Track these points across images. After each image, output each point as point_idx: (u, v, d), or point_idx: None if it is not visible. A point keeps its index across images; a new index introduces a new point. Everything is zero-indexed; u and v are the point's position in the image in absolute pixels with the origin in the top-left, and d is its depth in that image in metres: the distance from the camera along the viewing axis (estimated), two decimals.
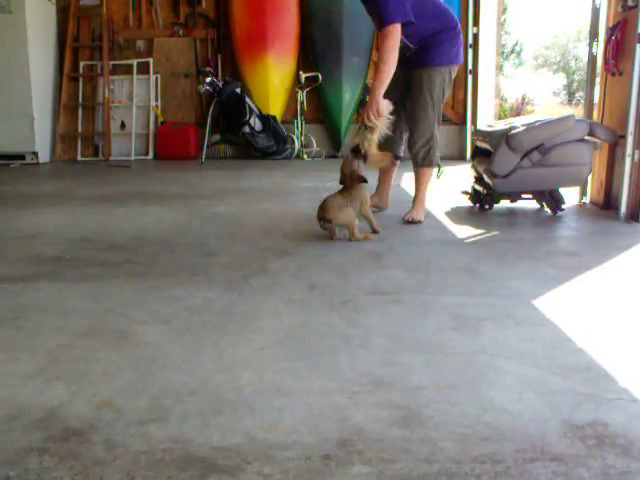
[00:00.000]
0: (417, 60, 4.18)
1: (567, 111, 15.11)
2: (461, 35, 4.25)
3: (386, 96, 3.83)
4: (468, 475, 1.41)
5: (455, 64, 4.24)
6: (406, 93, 4.26)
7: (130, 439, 1.57)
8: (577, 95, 28.09)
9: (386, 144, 4.02)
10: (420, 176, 4.36)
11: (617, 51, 4.59)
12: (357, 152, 3.74)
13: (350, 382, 1.87)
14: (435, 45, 4.13)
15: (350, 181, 3.68)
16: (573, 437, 1.57)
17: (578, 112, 5.23)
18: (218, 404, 1.74)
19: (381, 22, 3.84)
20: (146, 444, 1.54)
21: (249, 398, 1.77)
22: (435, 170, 4.41)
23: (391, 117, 3.85)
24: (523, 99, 18.17)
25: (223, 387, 1.84)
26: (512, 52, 24.74)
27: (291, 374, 1.92)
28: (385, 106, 3.81)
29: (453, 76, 4.26)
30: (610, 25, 4.72)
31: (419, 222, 4.24)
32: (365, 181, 3.63)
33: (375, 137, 3.78)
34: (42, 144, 8.32)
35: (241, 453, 1.50)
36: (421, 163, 4.29)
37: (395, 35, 3.78)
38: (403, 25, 3.82)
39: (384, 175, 4.68)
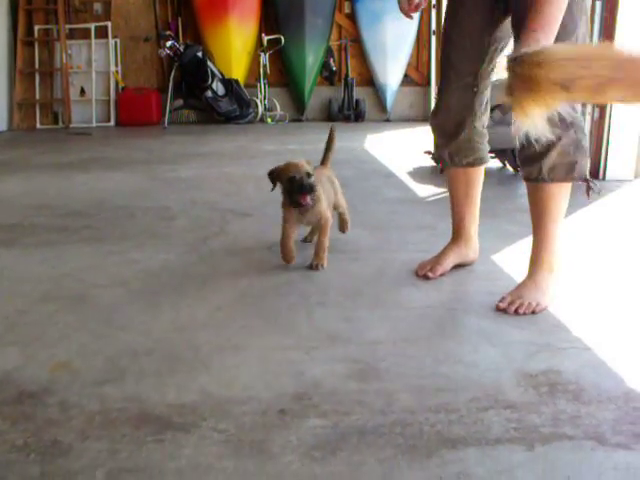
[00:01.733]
0: None
1: None
2: None
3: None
4: (422, 424, 1.43)
5: None
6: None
7: (85, 400, 1.55)
8: None
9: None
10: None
11: None
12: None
13: (307, 338, 1.87)
14: None
15: None
16: (527, 385, 1.60)
17: None
18: (174, 363, 1.73)
19: None
20: (101, 404, 1.53)
21: (205, 356, 1.76)
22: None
23: None
24: None
25: (180, 346, 1.83)
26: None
27: (248, 332, 1.92)
28: None
29: None
30: None
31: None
32: None
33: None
34: None
35: (197, 410, 1.49)
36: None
37: None
38: None
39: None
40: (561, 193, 2.20)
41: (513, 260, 2.57)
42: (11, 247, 2.88)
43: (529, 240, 2.84)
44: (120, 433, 1.41)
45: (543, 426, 1.41)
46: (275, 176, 2.55)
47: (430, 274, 2.39)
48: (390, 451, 1.33)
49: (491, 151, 4.53)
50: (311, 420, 1.44)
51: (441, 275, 2.41)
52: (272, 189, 2.58)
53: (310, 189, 2.42)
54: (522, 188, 4.14)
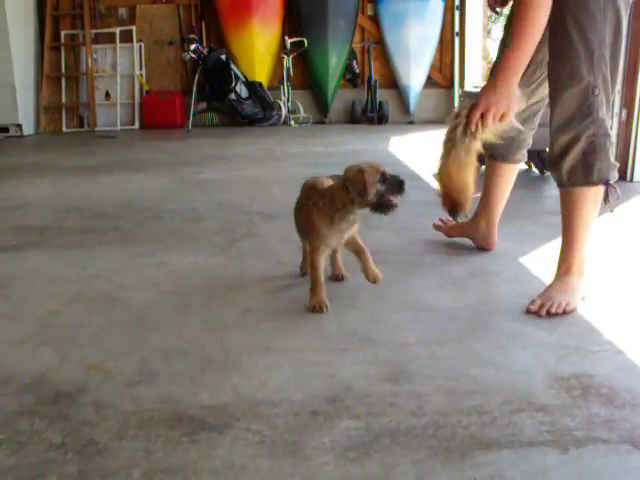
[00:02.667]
0: None
1: None
2: None
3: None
4: (455, 426, 1.43)
5: None
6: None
7: (119, 400, 1.57)
8: None
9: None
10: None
11: None
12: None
13: (337, 340, 1.88)
14: None
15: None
16: (559, 388, 1.59)
17: None
18: (206, 364, 1.74)
19: None
20: (135, 405, 1.55)
21: (237, 358, 1.78)
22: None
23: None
24: None
25: (211, 348, 1.84)
26: (500, 15, 24.55)
27: (279, 333, 1.93)
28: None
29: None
30: None
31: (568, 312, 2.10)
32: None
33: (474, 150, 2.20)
34: (25, 116, 8.21)
35: (229, 411, 1.51)
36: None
37: None
38: None
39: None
40: (587, 198, 2.13)
41: (541, 262, 2.56)
42: (42, 249, 2.92)
43: (557, 242, 2.82)
44: (155, 433, 1.43)
45: (577, 429, 1.40)
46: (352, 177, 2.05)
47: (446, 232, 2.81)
48: (424, 453, 1.33)
49: None
50: (344, 422, 1.45)
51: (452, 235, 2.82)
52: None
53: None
54: (548, 190, 4.13)
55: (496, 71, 2.14)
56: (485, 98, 2.11)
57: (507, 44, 2.11)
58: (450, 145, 2.20)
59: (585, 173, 2.10)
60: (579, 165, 2.10)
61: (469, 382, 1.63)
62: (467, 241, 2.84)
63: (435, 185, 3.68)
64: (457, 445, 1.36)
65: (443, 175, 2.27)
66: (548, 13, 2.03)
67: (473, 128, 2.12)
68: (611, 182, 2.13)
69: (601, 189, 2.12)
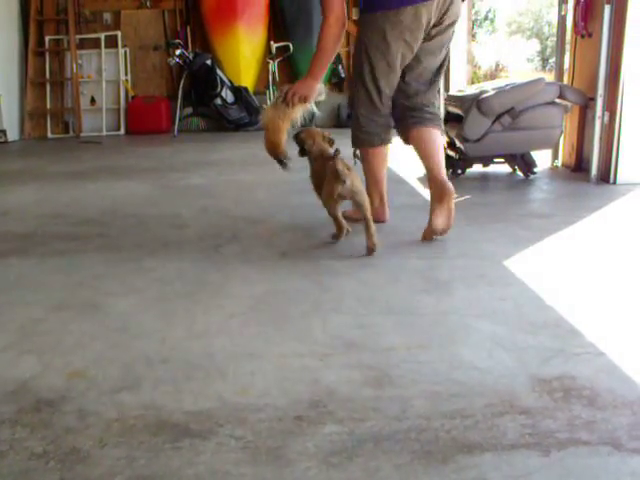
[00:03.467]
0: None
1: (539, 76, 15.13)
2: None
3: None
4: (438, 430, 1.43)
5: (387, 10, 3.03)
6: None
7: (102, 407, 1.57)
8: (551, 61, 28.06)
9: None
10: None
11: (586, 13, 4.59)
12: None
13: (322, 345, 1.88)
14: None
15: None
16: (541, 391, 1.60)
17: (552, 78, 5.26)
18: (190, 370, 1.74)
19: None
20: (118, 412, 1.54)
21: (221, 363, 1.77)
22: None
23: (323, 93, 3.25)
24: (497, 66, 18.18)
25: (195, 354, 1.84)
26: (485, 19, 24.61)
27: (263, 339, 1.93)
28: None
29: (421, 22, 2.98)
30: None
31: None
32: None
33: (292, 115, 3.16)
34: (10, 122, 8.16)
35: (213, 417, 1.50)
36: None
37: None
38: None
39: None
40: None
41: (525, 265, 2.57)
42: (25, 256, 2.91)
43: (541, 245, 2.86)
44: (138, 440, 1.42)
45: (559, 431, 1.41)
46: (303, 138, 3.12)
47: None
48: (406, 457, 1.33)
49: (500, 156, 4.59)
50: (327, 427, 1.45)
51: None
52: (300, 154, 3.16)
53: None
54: (532, 193, 4.16)
55: (307, 71, 3.13)
56: (297, 85, 3.13)
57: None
58: (273, 104, 3.24)
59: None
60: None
61: (453, 386, 1.63)
62: (451, 245, 2.86)
63: (417, 188, 3.69)
64: (440, 449, 1.36)
65: (266, 122, 3.20)
66: (338, 35, 3.04)
67: (286, 99, 3.09)
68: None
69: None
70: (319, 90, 3.15)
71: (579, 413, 1.48)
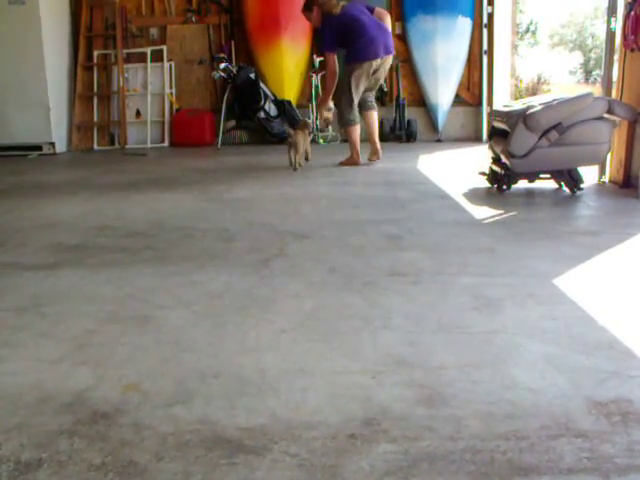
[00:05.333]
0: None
1: (584, 90, 14.95)
2: (375, 39, 6.10)
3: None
4: (493, 451, 1.42)
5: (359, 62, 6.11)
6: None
7: (157, 421, 1.59)
8: (594, 73, 27.68)
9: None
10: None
11: (637, 26, 4.53)
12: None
13: (373, 362, 1.88)
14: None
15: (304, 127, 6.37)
16: (597, 414, 1.57)
17: (595, 90, 5.23)
18: (242, 385, 1.75)
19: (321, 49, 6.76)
20: (173, 426, 1.56)
21: (273, 379, 1.78)
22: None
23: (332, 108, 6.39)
24: (539, 79, 18.01)
25: (247, 369, 1.85)
26: (527, 31, 24.40)
27: (314, 355, 1.94)
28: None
29: (373, 67, 6.13)
30: (629, 0, 4.65)
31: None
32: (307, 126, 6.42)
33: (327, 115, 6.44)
34: (59, 134, 8.35)
35: (267, 433, 1.51)
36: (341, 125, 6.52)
37: (331, 59, 6.18)
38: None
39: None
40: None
41: (575, 284, 2.54)
42: (77, 267, 2.96)
43: (591, 263, 2.82)
44: (193, 455, 1.44)
45: (618, 457, 1.39)
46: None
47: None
48: (462, 478, 1.33)
49: (547, 172, 4.54)
50: (381, 445, 1.45)
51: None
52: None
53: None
54: (580, 209, 4.11)
55: (323, 96, 6.61)
56: (321, 104, 6.51)
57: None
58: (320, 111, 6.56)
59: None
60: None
61: (506, 406, 1.62)
62: (499, 262, 2.84)
63: (462, 204, 3.69)
64: (496, 471, 1.35)
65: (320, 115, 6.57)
66: (333, 77, 6.16)
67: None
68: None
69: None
70: (330, 106, 6.31)
71: (638, 438, 1.46)
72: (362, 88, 6.20)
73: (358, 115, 6.27)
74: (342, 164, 6.35)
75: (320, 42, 6.40)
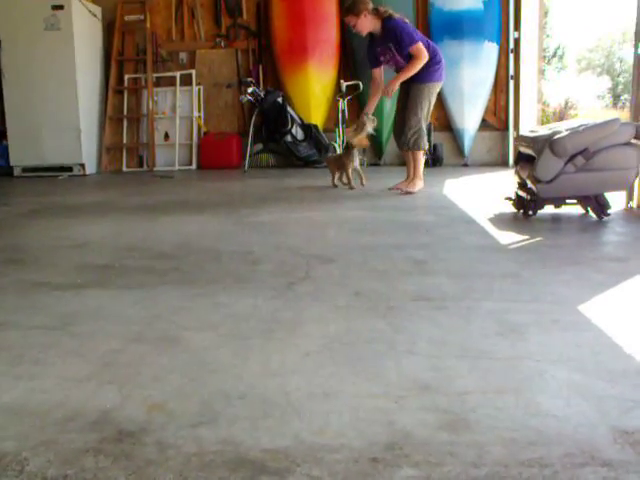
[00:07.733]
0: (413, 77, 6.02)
1: (612, 115, 14.87)
2: (442, 62, 6.10)
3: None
4: (516, 479, 1.41)
5: (436, 82, 6.08)
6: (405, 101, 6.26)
7: (181, 441, 1.60)
8: (622, 98, 27.54)
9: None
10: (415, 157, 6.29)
11: None
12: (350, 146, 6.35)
13: (396, 387, 1.88)
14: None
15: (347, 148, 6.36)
16: (623, 443, 1.56)
17: (624, 115, 5.21)
18: (267, 408, 1.76)
19: (410, 43, 5.89)
20: (197, 446, 1.58)
21: (297, 402, 1.79)
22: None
23: (374, 121, 6.43)
24: (566, 103, 17.96)
25: (271, 391, 1.87)
26: (554, 56, 24.37)
27: (338, 379, 1.95)
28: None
29: (437, 90, 6.15)
30: None
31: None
32: (353, 147, 6.29)
33: (364, 133, 6.33)
34: (89, 156, 8.52)
35: (290, 455, 1.52)
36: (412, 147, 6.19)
37: (424, 50, 5.94)
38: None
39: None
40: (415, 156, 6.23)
41: (601, 311, 2.52)
42: (105, 287, 3.01)
43: (617, 290, 2.80)
44: (217, 476, 1.45)
45: None
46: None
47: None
48: None
49: (573, 197, 4.52)
50: (403, 470, 1.45)
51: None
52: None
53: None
54: (606, 235, 4.08)
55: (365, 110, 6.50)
56: (360, 119, 6.36)
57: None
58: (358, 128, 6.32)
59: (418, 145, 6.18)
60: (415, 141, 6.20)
61: (530, 433, 1.61)
62: (524, 288, 2.83)
63: (487, 229, 3.70)
64: None
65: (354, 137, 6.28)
66: (376, 88, 6.54)
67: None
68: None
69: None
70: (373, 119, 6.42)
71: None
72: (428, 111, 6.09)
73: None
74: (399, 190, 6.12)
75: (405, 37, 5.83)
